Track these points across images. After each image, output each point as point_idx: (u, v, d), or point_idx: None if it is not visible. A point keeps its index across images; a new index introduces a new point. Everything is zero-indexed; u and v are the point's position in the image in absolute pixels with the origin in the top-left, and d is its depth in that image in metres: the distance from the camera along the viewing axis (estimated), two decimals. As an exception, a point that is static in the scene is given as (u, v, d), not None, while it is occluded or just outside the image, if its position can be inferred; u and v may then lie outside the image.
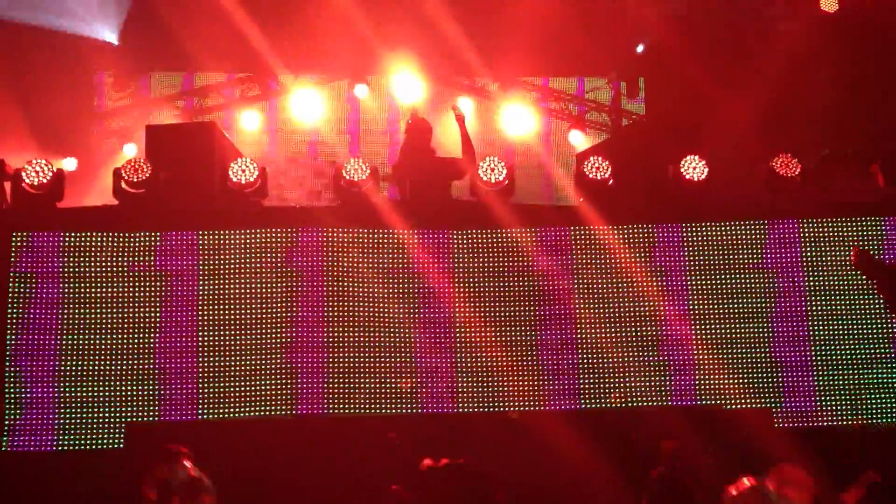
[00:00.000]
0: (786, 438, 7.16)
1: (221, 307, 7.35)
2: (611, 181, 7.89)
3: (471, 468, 5.40)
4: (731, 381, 7.40)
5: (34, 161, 7.55)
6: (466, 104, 10.79)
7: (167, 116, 11.03)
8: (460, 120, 8.27)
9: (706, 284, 7.61)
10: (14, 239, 7.28)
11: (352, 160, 7.89)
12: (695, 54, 10.69)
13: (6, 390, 7.04)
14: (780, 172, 7.81)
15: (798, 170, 7.79)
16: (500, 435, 7.17)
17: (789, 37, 10.34)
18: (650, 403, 7.36)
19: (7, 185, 7.58)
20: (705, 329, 7.53)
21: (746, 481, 5.17)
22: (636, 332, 7.54)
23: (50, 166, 7.54)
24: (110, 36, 10.59)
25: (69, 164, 9.96)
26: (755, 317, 7.55)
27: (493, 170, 7.89)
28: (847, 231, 7.71)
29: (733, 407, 7.38)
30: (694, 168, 7.85)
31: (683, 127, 8.83)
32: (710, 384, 7.44)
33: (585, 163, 7.94)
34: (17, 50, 9.58)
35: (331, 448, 7.05)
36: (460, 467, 5.37)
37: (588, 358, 7.48)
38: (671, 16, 10.70)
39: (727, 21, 10.71)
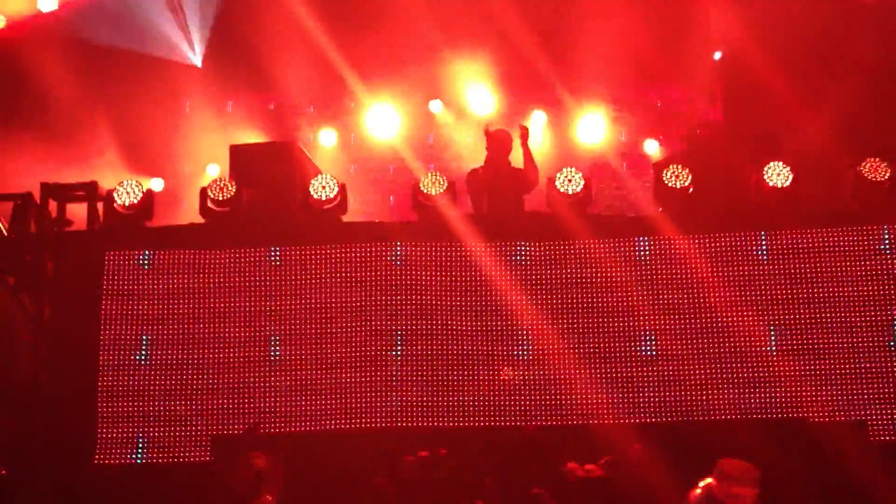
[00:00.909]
0: (878, 452, 6.97)
1: (303, 321, 7.50)
2: (691, 189, 7.82)
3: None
4: (818, 393, 7.23)
5: (125, 182, 7.85)
6: (539, 117, 10.80)
7: (247, 137, 11.30)
8: (524, 136, 8.29)
9: (790, 293, 7.45)
10: (107, 258, 7.55)
11: (429, 174, 8.00)
12: (773, 61, 10.51)
13: (100, 405, 7.27)
14: (868, 177, 7.63)
15: (887, 174, 7.60)
16: (574, 448, 7.12)
17: (872, 39, 10.10)
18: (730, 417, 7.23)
19: (100, 206, 7.89)
20: (789, 339, 7.37)
21: (699, 487, 5.10)
22: (717, 344, 7.42)
23: (140, 187, 7.82)
24: (194, 59, 10.92)
25: (156, 184, 10.27)
26: (842, 327, 7.36)
27: (570, 181, 7.90)
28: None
29: (822, 420, 7.20)
30: (778, 174, 7.72)
31: (764, 134, 8.71)
32: (795, 397, 7.27)
33: (664, 171, 7.88)
34: (107, 72, 9.94)
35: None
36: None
37: (667, 371, 7.39)
38: (749, 23, 10.54)
39: (807, 25, 10.51)
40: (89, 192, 7.96)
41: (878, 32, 10.08)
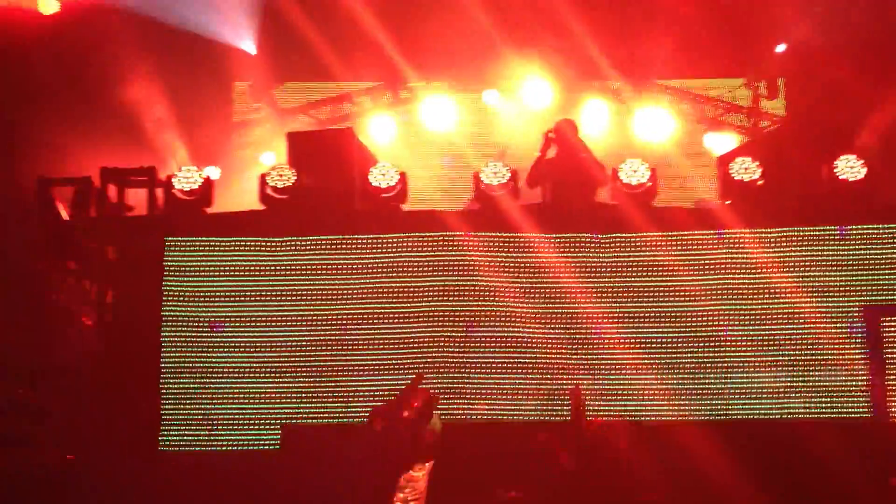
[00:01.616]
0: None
1: (365, 309, 7.42)
2: (760, 182, 7.64)
3: None
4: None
5: (185, 168, 7.78)
6: (600, 107, 10.63)
7: (301, 125, 11.23)
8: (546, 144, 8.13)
9: (868, 288, 7.26)
10: (168, 243, 7.51)
11: (490, 163, 7.86)
12: (838, 53, 10.29)
13: (164, 386, 7.25)
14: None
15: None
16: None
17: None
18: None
19: (159, 191, 7.84)
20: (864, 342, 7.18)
21: None
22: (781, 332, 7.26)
23: (200, 173, 7.75)
24: (249, 45, 10.87)
25: (213, 172, 10.23)
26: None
27: (635, 172, 7.74)
28: None
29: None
30: (851, 167, 7.52)
31: (834, 126, 8.49)
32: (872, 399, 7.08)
33: (732, 164, 7.69)
34: (165, 52, 9.91)
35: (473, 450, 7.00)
36: None
37: (732, 360, 7.25)
38: (812, 14, 10.33)
39: (871, 17, 10.28)
40: (149, 177, 7.91)
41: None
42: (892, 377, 7.10)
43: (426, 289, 7.46)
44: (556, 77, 10.75)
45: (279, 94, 11.61)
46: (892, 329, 7.19)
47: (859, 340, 7.19)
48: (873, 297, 7.25)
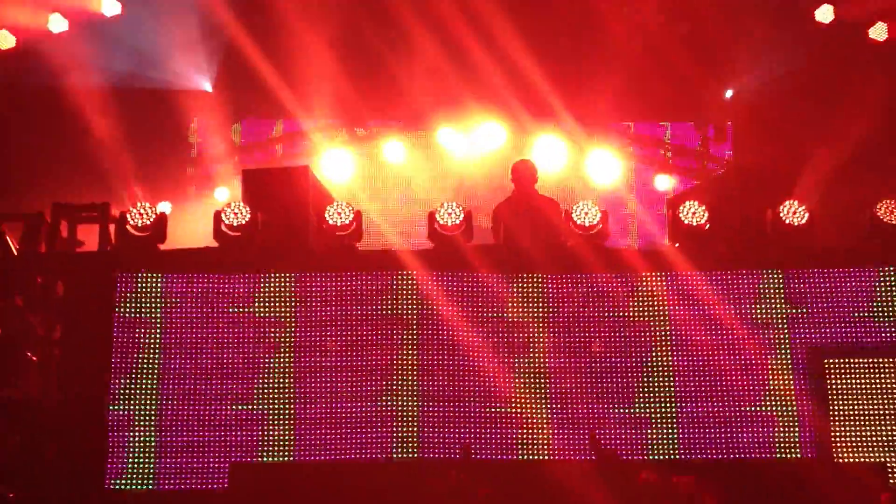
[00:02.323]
0: None
1: (317, 352, 7.40)
2: (707, 226, 7.81)
3: None
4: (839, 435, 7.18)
5: (138, 203, 7.75)
6: (553, 144, 10.76)
7: (257, 162, 11.26)
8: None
9: (810, 335, 7.43)
10: (119, 279, 7.45)
11: (445, 204, 7.92)
12: (782, 99, 10.61)
13: (110, 432, 7.15)
14: (885, 219, 7.65)
15: (905, 217, 7.61)
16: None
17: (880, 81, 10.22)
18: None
19: (111, 227, 7.80)
20: (806, 382, 7.33)
21: None
22: (731, 382, 7.38)
23: (153, 209, 7.72)
24: (206, 85, 10.91)
25: (163, 207, 10.20)
26: (863, 369, 7.33)
27: (587, 214, 7.87)
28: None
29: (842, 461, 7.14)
30: (794, 213, 7.73)
31: (778, 172, 8.72)
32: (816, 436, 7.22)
33: (681, 207, 7.86)
34: (120, 89, 9.91)
35: (423, 494, 7.00)
36: None
37: (681, 408, 7.34)
38: (758, 61, 10.67)
39: (814, 67, 10.66)
40: (101, 213, 7.87)
41: (886, 70, 10.22)
42: (834, 417, 7.25)
43: (376, 336, 7.43)
44: (508, 118, 10.93)
45: (236, 131, 11.66)
46: (835, 370, 7.36)
47: (802, 381, 7.33)
48: (817, 338, 7.42)
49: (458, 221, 7.79)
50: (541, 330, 7.48)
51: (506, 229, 7.98)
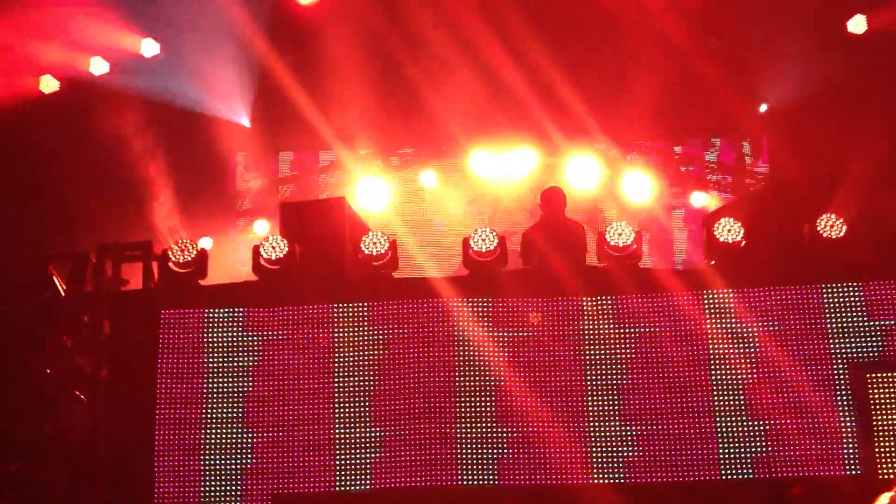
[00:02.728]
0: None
1: (357, 378, 7.51)
2: (743, 243, 7.77)
3: None
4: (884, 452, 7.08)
5: (180, 241, 7.94)
6: (587, 163, 10.77)
7: (294, 194, 11.46)
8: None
9: (849, 348, 7.35)
10: (163, 317, 7.63)
11: (478, 230, 7.98)
12: (817, 112, 10.52)
13: (157, 465, 7.31)
14: (927, 230, 7.57)
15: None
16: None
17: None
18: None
19: (154, 265, 8.00)
20: (849, 397, 7.25)
21: None
22: (776, 398, 7.32)
23: (194, 245, 7.91)
24: (244, 119, 11.15)
25: (205, 243, 10.41)
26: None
27: (620, 234, 7.89)
28: None
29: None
30: (831, 226, 7.66)
31: (814, 185, 8.66)
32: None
33: (716, 225, 7.84)
34: (161, 128, 10.16)
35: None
36: None
37: (723, 426, 7.30)
38: (792, 74, 10.60)
39: (849, 78, 10.56)
40: (144, 251, 8.07)
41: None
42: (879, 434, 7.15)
43: (418, 360, 7.52)
44: (540, 141, 10.99)
45: (276, 163, 11.89)
46: (878, 385, 7.26)
47: (845, 396, 7.25)
48: (858, 355, 7.34)
49: (492, 247, 7.85)
50: (581, 349, 7.49)
51: (540, 254, 8.02)
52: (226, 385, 7.49)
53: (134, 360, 7.59)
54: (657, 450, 7.28)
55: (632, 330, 7.57)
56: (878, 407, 7.21)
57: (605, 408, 7.39)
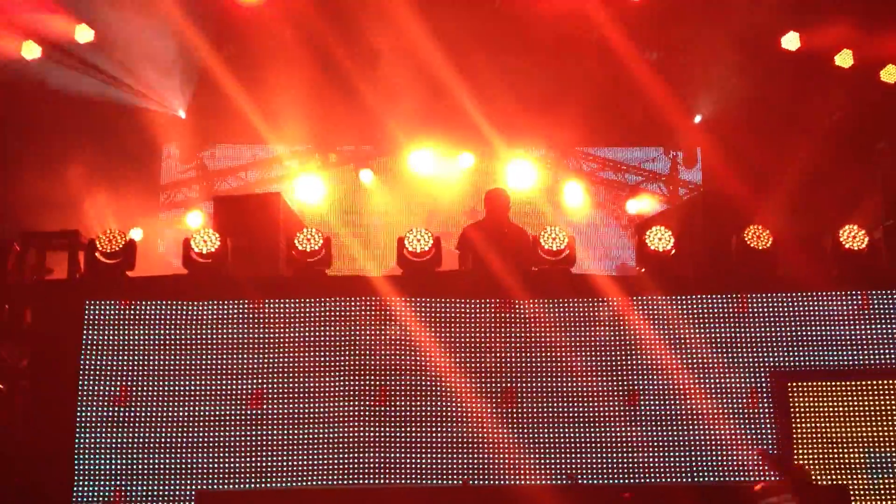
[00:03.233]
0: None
1: (286, 377, 7.42)
2: (673, 251, 7.90)
3: None
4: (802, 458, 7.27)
5: (108, 230, 7.76)
6: (523, 169, 10.87)
7: (230, 188, 11.32)
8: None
9: (775, 356, 7.52)
10: (87, 307, 7.45)
11: (413, 230, 7.97)
12: (748, 125, 10.78)
13: (77, 461, 7.13)
14: (847, 245, 7.77)
15: (865, 242, 7.74)
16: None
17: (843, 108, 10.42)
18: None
19: (81, 255, 7.80)
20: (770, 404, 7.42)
21: None
22: (699, 405, 7.45)
23: (123, 236, 7.73)
24: (179, 110, 10.96)
25: (135, 234, 10.21)
26: (825, 392, 7.42)
27: (554, 239, 7.95)
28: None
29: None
30: (758, 237, 7.84)
31: (744, 197, 8.85)
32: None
33: (647, 233, 7.95)
34: (92, 123, 9.94)
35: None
36: None
37: (652, 433, 7.40)
38: (725, 88, 10.84)
39: (781, 93, 10.84)
40: (71, 240, 7.89)
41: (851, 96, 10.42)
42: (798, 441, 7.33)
43: (344, 361, 7.44)
44: (479, 143, 11.04)
45: (210, 156, 11.71)
46: (798, 392, 7.45)
47: (766, 403, 7.41)
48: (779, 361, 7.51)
49: (427, 248, 7.84)
50: (510, 354, 7.52)
51: (475, 255, 8.05)
52: (150, 381, 7.32)
53: (56, 351, 7.37)
54: (582, 454, 7.34)
55: (564, 335, 7.63)
56: (798, 415, 7.38)
57: (534, 412, 7.42)
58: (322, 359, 7.47)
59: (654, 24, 10.37)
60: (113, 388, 7.28)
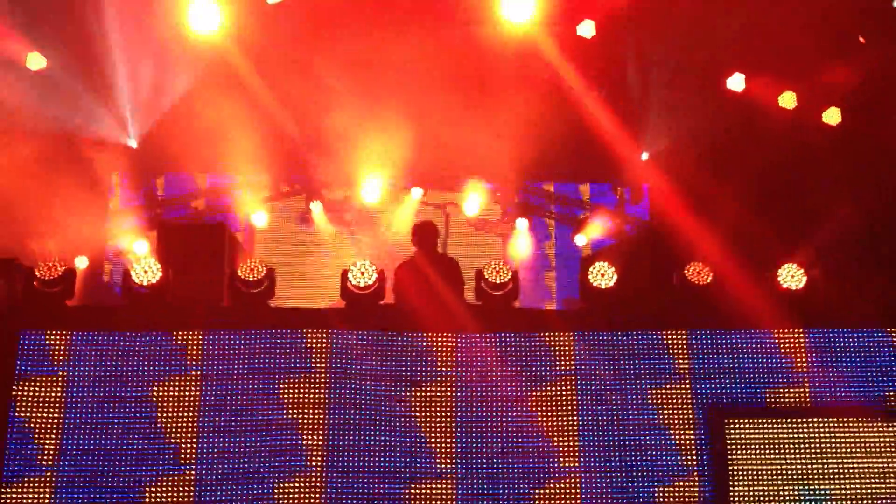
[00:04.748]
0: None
1: (225, 410, 7.35)
2: (615, 287, 7.97)
3: None
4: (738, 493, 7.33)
5: (47, 259, 7.66)
6: (470, 204, 10.97)
7: (178, 216, 11.25)
8: None
9: (713, 391, 7.59)
10: (22, 339, 7.32)
11: (357, 263, 7.96)
12: (693, 161, 10.95)
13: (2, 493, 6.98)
14: (785, 285, 7.89)
15: (803, 282, 7.86)
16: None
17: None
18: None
19: (18, 285, 7.68)
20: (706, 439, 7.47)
21: None
22: (638, 440, 7.49)
23: (61, 264, 7.64)
24: (130, 139, 10.90)
25: (80, 262, 10.09)
26: (761, 429, 7.49)
27: (498, 272, 8.00)
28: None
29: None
30: (699, 273, 7.94)
31: (686, 233, 8.97)
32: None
33: (591, 269, 8.03)
34: (40, 155, 9.84)
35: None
36: None
37: (587, 464, 7.41)
38: (672, 125, 11.02)
39: (725, 131, 11.04)
40: (7, 268, 7.76)
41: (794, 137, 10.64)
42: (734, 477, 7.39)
43: (286, 394, 7.40)
44: (425, 177, 11.12)
45: (159, 185, 11.65)
46: (735, 430, 7.51)
47: (703, 438, 7.47)
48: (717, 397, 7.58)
49: (370, 282, 7.84)
50: (447, 389, 7.52)
51: (399, 290, 8.06)
52: (85, 414, 7.21)
53: (-14, 382, 7.25)
54: (517, 492, 7.33)
55: (506, 368, 7.64)
56: (734, 451, 7.45)
57: (472, 447, 7.40)
58: (263, 390, 7.41)
59: (599, 62, 10.54)
60: (46, 419, 7.16)
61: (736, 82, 10.96)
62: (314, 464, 7.26)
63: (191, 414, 7.29)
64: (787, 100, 10.95)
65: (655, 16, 10.28)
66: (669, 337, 7.72)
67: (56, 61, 10.26)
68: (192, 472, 7.17)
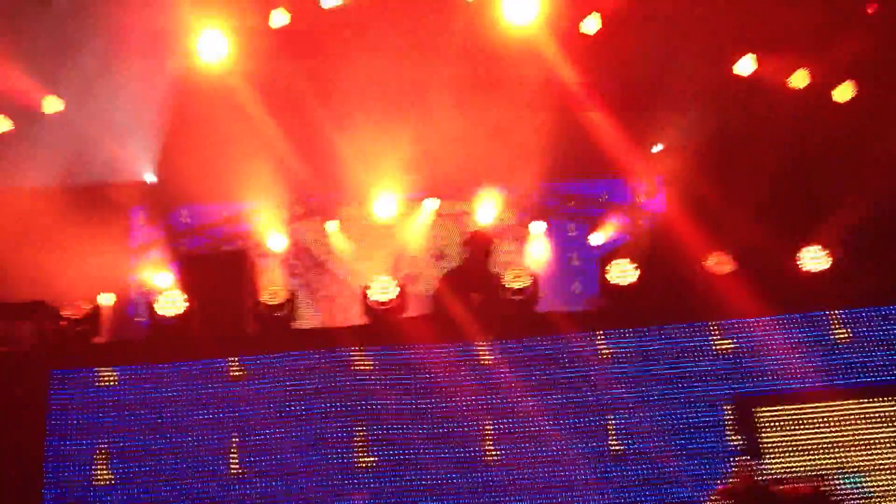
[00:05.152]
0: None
1: (260, 430, 7.42)
2: (636, 283, 7.94)
3: None
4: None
5: (73, 299, 7.80)
6: (487, 209, 10.96)
7: (197, 246, 11.33)
8: None
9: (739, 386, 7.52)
10: (53, 376, 7.44)
11: (378, 279, 8.02)
12: (705, 153, 10.85)
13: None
14: (806, 268, 7.84)
15: (829, 263, 7.80)
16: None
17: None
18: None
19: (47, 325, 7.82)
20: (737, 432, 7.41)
21: None
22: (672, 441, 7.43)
23: (88, 303, 7.78)
24: (148, 174, 11.02)
25: (106, 299, 10.19)
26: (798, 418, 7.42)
27: (517, 278, 8.01)
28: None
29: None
30: (721, 263, 7.89)
31: (705, 224, 8.91)
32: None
33: (609, 266, 8.02)
34: (57, 208, 9.99)
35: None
36: None
37: (620, 469, 7.38)
38: (684, 118, 10.93)
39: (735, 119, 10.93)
40: (36, 310, 7.90)
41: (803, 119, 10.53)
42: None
43: (316, 412, 7.48)
44: (443, 186, 11.13)
45: (180, 217, 11.73)
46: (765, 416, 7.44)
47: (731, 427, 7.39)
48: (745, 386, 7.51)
49: (392, 296, 7.90)
50: (477, 396, 7.52)
51: (438, 297, 8.10)
52: (116, 442, 7.31)
53: (21, 422, 7.36)
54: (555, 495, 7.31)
55: (529, 376, 7.61)
56: (766, 442, 7.37)
57: (502, 455, 7.40)
58: (292, 411, 7.47)
59: (608, 55, 10.47)
60: (80, 451, 7.24)
61: (744, 66, 10.84)
62: (344, 482, 7.29)
63: (225, 435, 7.36)
64: (800, 78, 10.79)
65: (660, 6, 10.23)
66: (693, 330, 7.67)
67: (69, 102, 10.39)
68: (229, 492, 7.25)
